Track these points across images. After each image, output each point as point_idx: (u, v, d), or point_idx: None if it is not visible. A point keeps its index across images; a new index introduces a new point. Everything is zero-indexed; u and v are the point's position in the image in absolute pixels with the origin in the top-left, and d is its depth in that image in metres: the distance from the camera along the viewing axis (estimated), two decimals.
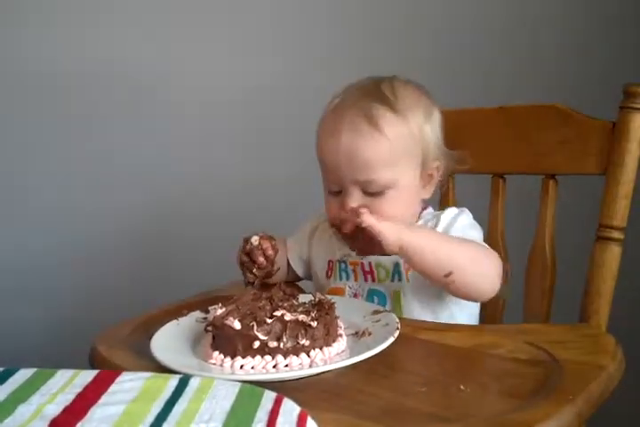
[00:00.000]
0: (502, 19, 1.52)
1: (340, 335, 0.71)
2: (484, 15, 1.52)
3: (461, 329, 0.78)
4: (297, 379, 0.65)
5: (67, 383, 0.58)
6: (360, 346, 0.70)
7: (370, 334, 0.72)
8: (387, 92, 0.87)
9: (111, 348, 0.76)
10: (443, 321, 0.84)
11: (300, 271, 1.02)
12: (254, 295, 0.72)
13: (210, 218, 1.51)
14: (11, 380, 0.59)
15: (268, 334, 0.66)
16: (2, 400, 0.55)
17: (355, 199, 0.85)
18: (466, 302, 0.87)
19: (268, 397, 0.54)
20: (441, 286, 0.82)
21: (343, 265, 0.94)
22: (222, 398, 0.54)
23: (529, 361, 0.66)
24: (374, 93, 0.87)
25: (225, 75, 1.51)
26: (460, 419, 0.56)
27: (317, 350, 0.68)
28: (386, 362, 0.67)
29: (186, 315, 0.81)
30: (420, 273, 0.83)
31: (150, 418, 0.51)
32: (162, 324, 0.78)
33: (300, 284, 1.02)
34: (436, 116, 0.90)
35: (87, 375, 0.60)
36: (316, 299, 0.73)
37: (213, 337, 0.71)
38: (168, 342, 0.74)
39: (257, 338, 0.66)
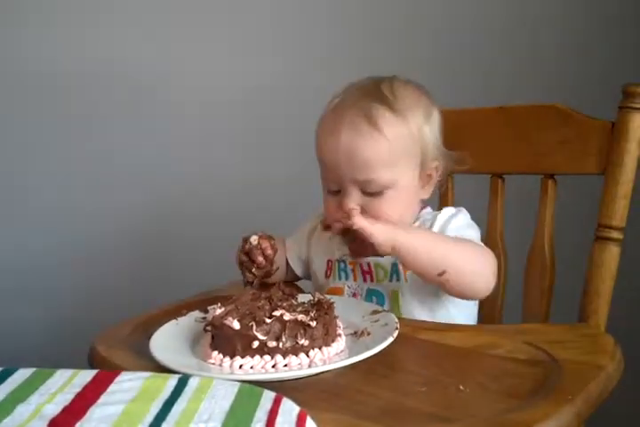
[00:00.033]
0: (502, 19, 1.52)
1: (339, 335, 0.71)
2: (483, 15, 1.52)
3: (461, 329, 0.78)
4: (296, 379, 0.65)
5: (66, 383, 0.58)
6: (359, 346, 0.70)
7: (369, 333, 0.72)
8: (386, 92, 0.87)
9: (110, 348, 0.76)
10: (440, 321, 0.84)
11: (298, 271, 1.02)
12: (253, 295, 0.72)
13: (210, 218, 1.51)
14: (10, 380, 0.59)
15: (267, 333, 0.66)
16: (1, 400, 0.55)
17: (353, 199, 0.85)
18: (464, 301, 0.87)
19: (267, 397, 0.54)
20: (436, 284, 0.82)
21: (342, 265, 0.94)
22: (221, 397, 0.54)
23: (528, 361, 0.66)
24: (374, 93, 0.87)
25: (225, 75, 1.51)
26: (460, 419, 0.56)
27: (316, 349, 0.68)
28: (385, 362, 0.67)
29: (185, 315, 0.81)
30: (414, 272, 0.83)
31: (149, 418, 0.51)
32: (161, 324, 0.78)
33: (298, 283, 1.02)
34: (436, 117, 0.91)
35: (86, 375, 0.60)
36: (315, 299, 0.73)
37: (212, 337, 0.71)
38: (167, 341, 0.74)
39: (256, 338, 0.66)
